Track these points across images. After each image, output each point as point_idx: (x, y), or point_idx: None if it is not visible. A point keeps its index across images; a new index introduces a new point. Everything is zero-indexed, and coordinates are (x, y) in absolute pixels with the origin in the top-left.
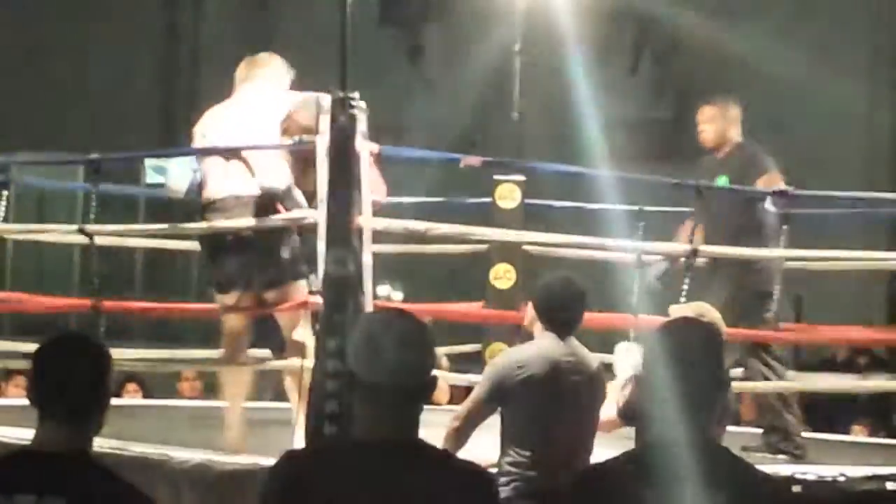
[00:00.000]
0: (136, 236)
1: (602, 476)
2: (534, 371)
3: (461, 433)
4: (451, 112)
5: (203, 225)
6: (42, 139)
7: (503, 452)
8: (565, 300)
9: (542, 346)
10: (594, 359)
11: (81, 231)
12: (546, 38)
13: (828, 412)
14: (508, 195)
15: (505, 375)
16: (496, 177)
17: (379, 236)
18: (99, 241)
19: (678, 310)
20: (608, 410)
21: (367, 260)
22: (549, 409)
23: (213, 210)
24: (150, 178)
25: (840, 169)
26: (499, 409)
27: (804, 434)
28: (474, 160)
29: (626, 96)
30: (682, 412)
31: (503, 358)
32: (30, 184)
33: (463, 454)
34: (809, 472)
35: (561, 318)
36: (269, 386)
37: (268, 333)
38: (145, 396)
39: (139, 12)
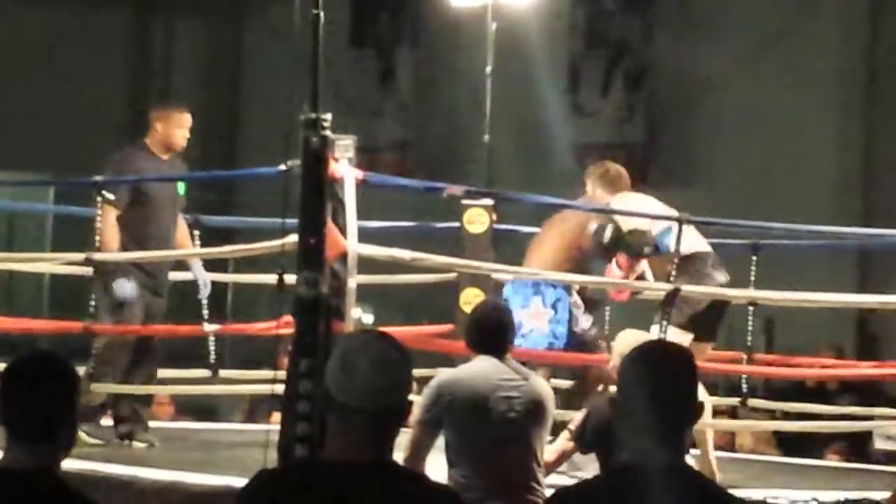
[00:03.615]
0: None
1: (577, 497)
2: (464, 392)
3: (411, 459)
4: (422, 134)
5: (198, 251)
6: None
7: (448, 474)
8: (493, 321)
9: (476, 367)
10: (541, 381)
11: (88, 260)
12: (517, 62)
13: (802, 437)
14: (477, 220)
15: (439, 397)
16: (465, 202)
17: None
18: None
19: (627, 336)
20: (555, 443)
21: (351, 285)
22: (480, 430)
23: None
24: None
25: (810, 194)
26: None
27: (779, 459)
28: (457, 189)
29: (597, 119)
30: (657, 436)
31: (438, 379)
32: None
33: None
34: (782, 496)
35: (491, 339)
36: (240, 407)
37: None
38: None
39: (110, 36)
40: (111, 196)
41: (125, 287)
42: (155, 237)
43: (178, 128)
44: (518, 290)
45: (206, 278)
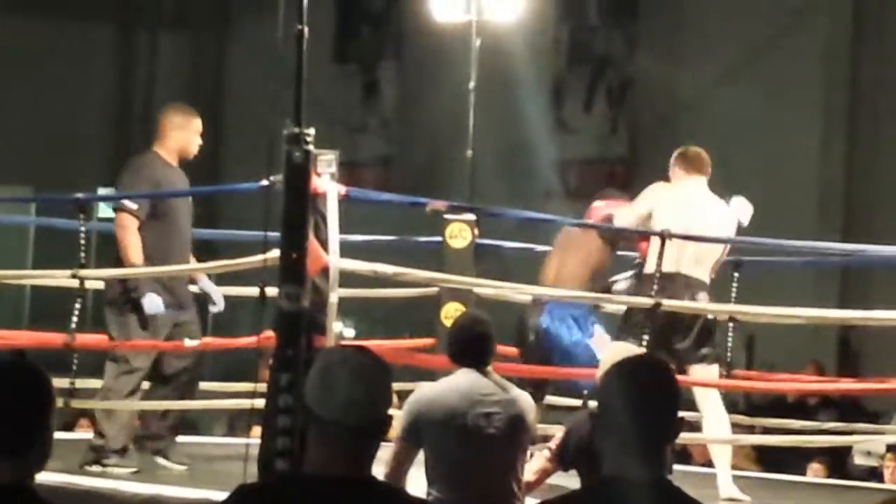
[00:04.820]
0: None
1: None
2: (444, 407)
3: (392, 475)
4: (405, 149)
5: (182, 266)
6: None
7: (427, 491)
8: (473, 334)
9: (457, 381)
10: (522, 395)
11: (74, 276)
12: (501, 77)
13: (782, 452)
14: (459, 235)
15: (418, 412)
16: (447, 216)
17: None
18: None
19: (615, 349)
20: (534, 462)
21: (332, 300)
22: (462, 445)
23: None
24: (102, 212)
25: (792, 212)
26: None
27: (758, 474)
28: (440, 204)
29: (580, 135)
30: (639, 450)
31: (417, 394)
32: None
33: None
34: None
35: (471, 352)
36: (221, 421)
37: None
38: None
39: (93, 49)
40: (133, 206)
41: (155, 302)
42: (176, 250)
43: (195, 134)
44: (563, 319)
45: (216, 292)
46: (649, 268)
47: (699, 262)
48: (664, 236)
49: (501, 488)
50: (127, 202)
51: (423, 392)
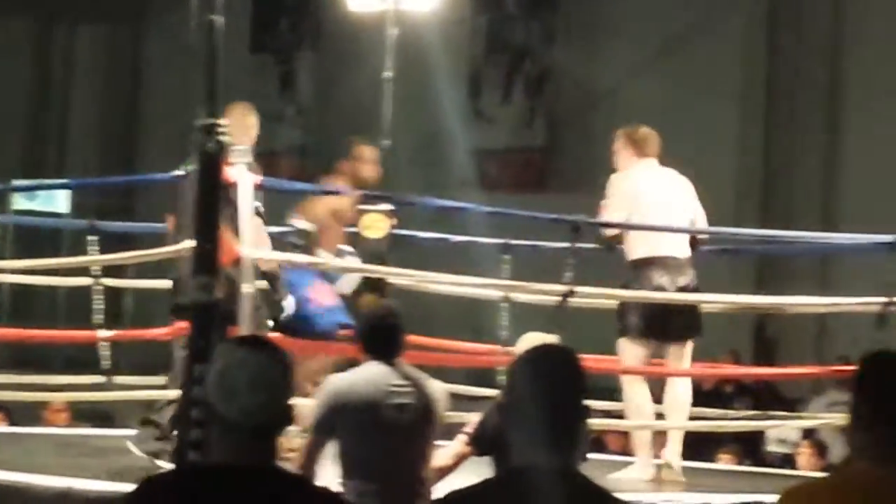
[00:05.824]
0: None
1: (465, 501)
2: (360, 399)
3: (305, 464)
4: (322, 139)
5: (96, 258)
6: None
7: (343, 483)
8: (387, 326)
9: (367, 372)
10: (433, 384)
11: None
12: (418, 67)
13: (694, 439)
14: (374, 225)
15: (333, 405)
16: (362, 206)
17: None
18: None
19: (528, 339)
20: (451, 446)
21: (247, 289)
22: (377, 436)
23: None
24: (18, 204)
25: (709, 199)
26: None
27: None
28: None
29: (498, 125)
30: (547, 439)
31: (330, 386)
32: None
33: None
34: (675, 499)
35: (381, 343)
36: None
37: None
38: (11, 425)
39: (11, 42)
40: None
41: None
42: None
43: None
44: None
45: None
46: (633, 255)
47: (679, 242)
48: (578, 225)
49: (414, 477)
50: (260, 205)
51: (336, 384)
